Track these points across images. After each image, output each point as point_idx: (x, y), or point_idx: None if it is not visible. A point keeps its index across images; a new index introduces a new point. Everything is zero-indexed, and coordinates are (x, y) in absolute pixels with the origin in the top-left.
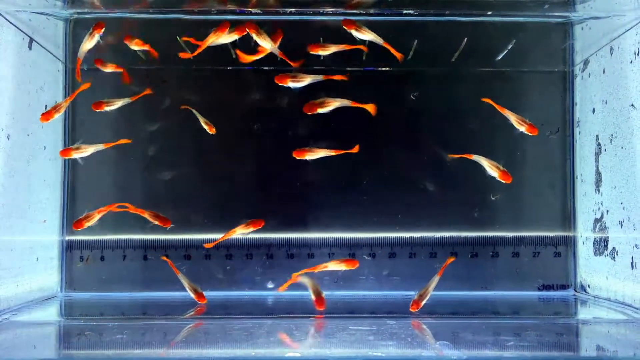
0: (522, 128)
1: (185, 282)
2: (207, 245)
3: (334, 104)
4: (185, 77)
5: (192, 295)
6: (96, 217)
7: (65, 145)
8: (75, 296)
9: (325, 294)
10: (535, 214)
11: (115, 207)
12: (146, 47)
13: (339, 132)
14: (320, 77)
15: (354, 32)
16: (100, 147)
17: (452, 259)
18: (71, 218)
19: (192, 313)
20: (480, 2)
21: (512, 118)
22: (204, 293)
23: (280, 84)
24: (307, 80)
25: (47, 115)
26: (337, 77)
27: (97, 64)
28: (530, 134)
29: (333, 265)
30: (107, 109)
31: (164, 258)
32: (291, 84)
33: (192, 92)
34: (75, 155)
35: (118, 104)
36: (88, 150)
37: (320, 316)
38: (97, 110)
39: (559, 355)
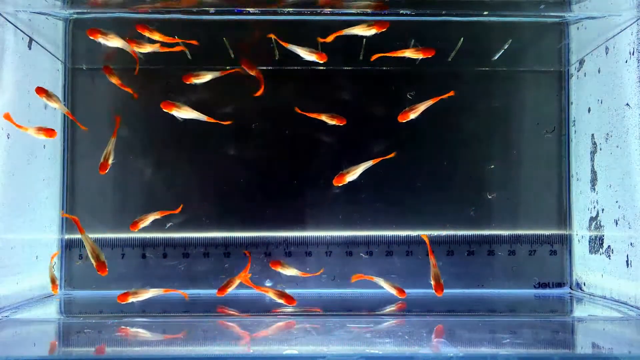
0: None
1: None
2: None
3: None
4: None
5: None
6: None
7: (66, 145)
8: (75, 294)
9: (323, 291)
10: (531, 213)
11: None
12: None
13: (337, 132)
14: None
15: (175, 113)
16: (243, 278)
17: None
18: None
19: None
20: (476, 2)
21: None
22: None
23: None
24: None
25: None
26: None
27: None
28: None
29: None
30: None
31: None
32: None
33: (191, 92)
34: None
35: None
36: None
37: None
38: None
39: (554, 352)
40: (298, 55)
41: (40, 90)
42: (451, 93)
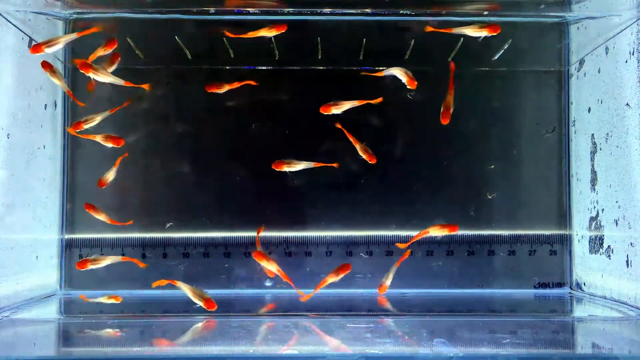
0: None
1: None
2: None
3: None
4: (184, 76)
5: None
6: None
7: (66, 144)
8: (75, 294)
9: (323, 291)
10: (531, 213)
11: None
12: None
13: (337, 132)
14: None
15: (92, 75)
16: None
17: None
18: (70, 217)
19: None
20: (477, 2)
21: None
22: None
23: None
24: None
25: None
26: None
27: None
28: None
29: (435, 231)
30: None
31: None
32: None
33: (191, 92)
34: None
35: None
36: None
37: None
38: None
39: (554, 352)
40: (298, 55)
41: (46, 65)
42: (379, 99)
